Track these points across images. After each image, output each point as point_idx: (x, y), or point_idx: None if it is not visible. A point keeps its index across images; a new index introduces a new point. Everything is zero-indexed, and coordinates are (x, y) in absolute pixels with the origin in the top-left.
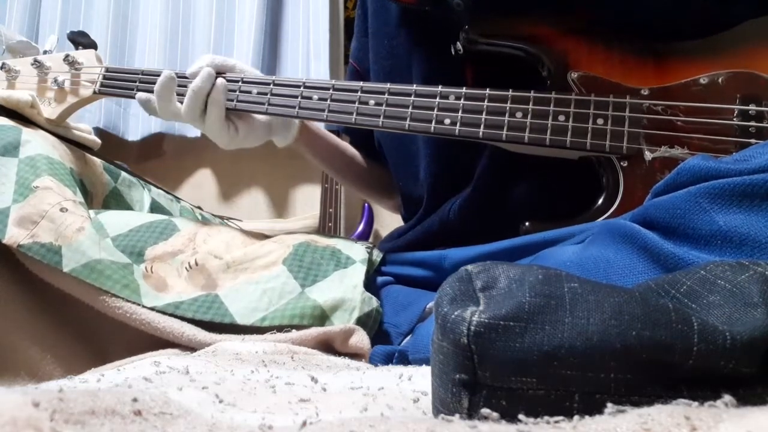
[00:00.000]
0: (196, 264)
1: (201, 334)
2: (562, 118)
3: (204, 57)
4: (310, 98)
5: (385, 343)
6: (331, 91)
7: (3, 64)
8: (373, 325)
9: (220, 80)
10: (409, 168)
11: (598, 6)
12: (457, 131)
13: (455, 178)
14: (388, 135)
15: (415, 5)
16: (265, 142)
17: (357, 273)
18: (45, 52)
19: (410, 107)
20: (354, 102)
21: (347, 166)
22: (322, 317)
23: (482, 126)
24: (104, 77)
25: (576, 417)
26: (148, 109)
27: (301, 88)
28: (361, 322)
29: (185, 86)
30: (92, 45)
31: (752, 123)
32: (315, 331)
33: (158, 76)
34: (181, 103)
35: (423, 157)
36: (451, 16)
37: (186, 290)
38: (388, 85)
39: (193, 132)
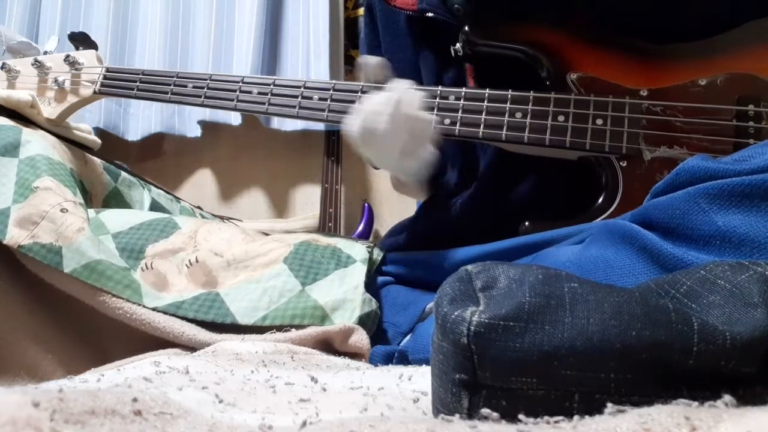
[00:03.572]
0: (197, 261)
1: (201, 334)
2: (561, 118)
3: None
4: (310, 98)
5: (384, 342)
6: (331, 92)
7: (3, 64)
8: (372, 325)
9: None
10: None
11: (597, 8)
12: (457, 131)
13: (459, 178)
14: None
15: (416, 12)
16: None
17: (358, 273)
18: (46, 53)
19: None
20: (354, 102)
21: None
22: (322, 317)
23: (482, 126)
24: (105, 77)
25: (576, 417)
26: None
27: (302, 89)
28: (362, 322)
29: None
30: (93, 46)
31: (750, 123)
32: (314, 330)
33: (159, 76)
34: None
35: (449, 160)
36: (452, 19)
37: (187, 288)
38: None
39: (193, 132)
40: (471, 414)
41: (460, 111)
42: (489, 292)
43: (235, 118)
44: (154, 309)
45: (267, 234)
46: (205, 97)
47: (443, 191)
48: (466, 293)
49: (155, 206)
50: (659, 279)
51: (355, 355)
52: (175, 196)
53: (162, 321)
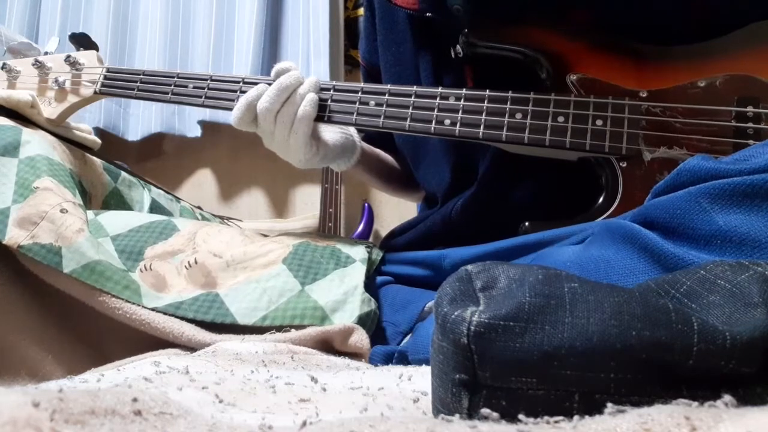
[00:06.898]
0: (196, 262)
1: (201, 334)
2: (561, 119)
3: (293, 66)
4: None
5: (383, 342)
6: (331, 92)
7: (4, 64)
8: (372, 325)
9: (314, 95)
10: (428, 169)
11: (596, 10)
12: (457, 132)
13: (460, 179)
14: (403, 140)
15: (417, 11)
16: (328, 164)
17: (357, 273)
18: (46, 53)
19: (410, 108)
20: (354, 102)
21: (391, 173)
22: (322, 318)
23: (482, 126)
24: (105, 77)
25: (576, 417)
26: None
27: None
28: (361, 321)
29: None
30: (94, 47)
31: (750, 124)
32: (314, 330)
33: (159, 77)
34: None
35: (437, 159)
36: (452, 20)
37: (186, 289)
38: (389, 86)
39: (193, 132)
40: (471, 414)
41: (460, 111)
42: (489, 292)
43: None
44: (153, 309)
45: (266, 235)
46: (206, 98)
47: (427, 191)
48: (466, 293)
49: (155, 206)
50: (659, 279)
51: (354, 355)
52: (175, 196)
53: (162, 321)
